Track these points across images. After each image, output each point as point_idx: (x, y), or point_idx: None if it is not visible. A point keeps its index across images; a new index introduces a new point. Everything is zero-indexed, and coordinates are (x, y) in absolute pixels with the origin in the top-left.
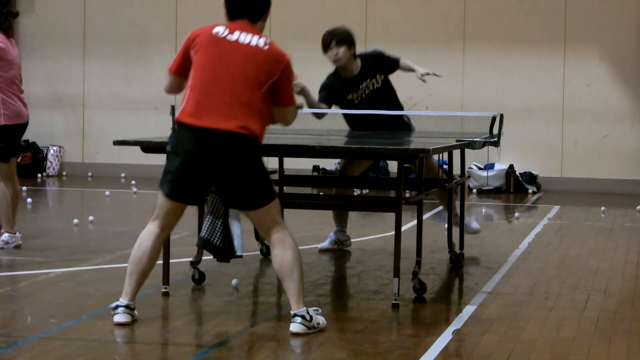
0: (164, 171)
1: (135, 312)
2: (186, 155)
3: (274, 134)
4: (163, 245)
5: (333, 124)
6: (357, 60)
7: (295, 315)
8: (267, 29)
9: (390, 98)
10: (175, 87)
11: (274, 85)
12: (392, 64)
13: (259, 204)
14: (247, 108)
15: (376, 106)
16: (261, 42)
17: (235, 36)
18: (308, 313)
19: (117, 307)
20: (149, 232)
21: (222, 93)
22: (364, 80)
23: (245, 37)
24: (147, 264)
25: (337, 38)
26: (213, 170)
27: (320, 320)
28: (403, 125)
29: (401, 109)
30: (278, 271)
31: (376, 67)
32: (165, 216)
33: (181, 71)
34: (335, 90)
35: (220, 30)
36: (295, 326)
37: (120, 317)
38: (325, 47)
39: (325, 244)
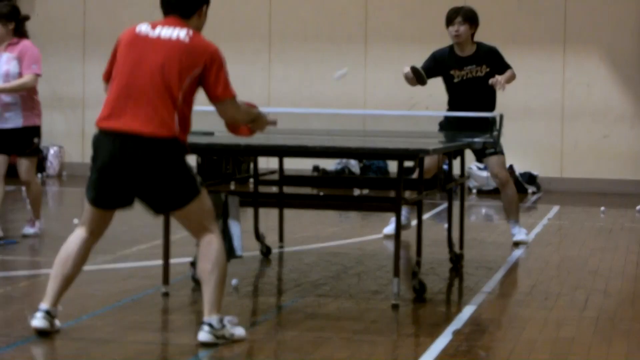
0: (88, 178)
1: (56, 321)
2: (103, 162)
3: (274, 134)
4: (164, 245)
5: (333, 123)
6: (474, 44)
7: (203, 323)
8: (267, 29)
9: (485, 91)
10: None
11: (201, 78)
12: (502, 65)
13: (181, 202)
14: (166, 108)
15: (470, 92)
16: (182, 34)
17: (156, 32)
18: (221, 322)
19: (38, 310)
20: (77, 236)
21: (139, 94)
22: (471, 64)
23: (167, 32)
24: (71, 269)
25: (462, 15)
26: (131, 175)
27: (237, 331)
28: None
29: (491, 105)
30: (198, 273)
31: (487, 59)
32: (91, 222)
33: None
34: (442, 61)
35: (143, 28)
36: (202, 335)
37: (38, 322)
38: (449, 21)
39: (389, 228)
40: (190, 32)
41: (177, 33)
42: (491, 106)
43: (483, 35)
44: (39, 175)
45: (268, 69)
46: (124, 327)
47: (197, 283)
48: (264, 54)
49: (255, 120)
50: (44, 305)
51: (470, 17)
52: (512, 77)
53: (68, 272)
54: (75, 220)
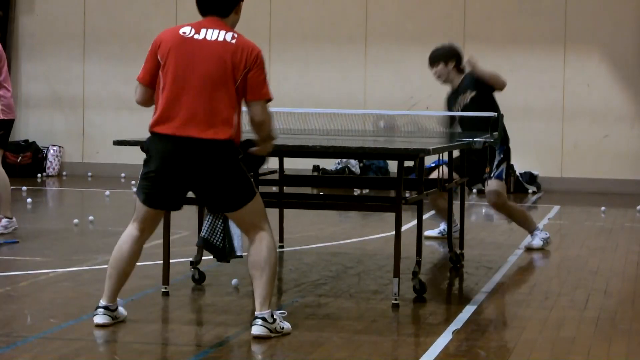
0: (140, 177)
1: (118, 312)
2: (161, 164)
3: None
4: (164, 245)
5: (333, 124)
6: (462, 74)
7: (256, 317)
8: (267, 28)
9: (479, 116)
10: (148, 98)
11: (244, 78)
12: (486, 85)
13: (238, 204)
14: (221, 111)
15: (468, 120)
16: (228, 36)
17: (202, 35)
18: (272, 316)
19: (97, 307)
20: (129, 235)
21: (194, 98)
22: (459, 94)
23: (212, 34)
24: (126, 267)
25: (432, 59)
26: (189, 177)
27: (285, 325)
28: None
29: (494, 126)
30: (250, 269)
31: (469, 84)
32: (143, 221)
33: (152, 80)
34: (447, 101)
35: (187, 30)
36: (257, 329)
37: (100, 318)
38: (429, 66)
39: (433, 232)
40: (236, 34)
41: (223, 35)
42: (494, 127)
43: (483, 36)
44: (39, 175)
45: (268, 69)
46: (124, 327)
47: (197, 283)
48: (264, 54)
49: (270, 137)
50: (103, 302)
51: (440, 56)
52: (494, 75)
53: (123, 270)
54: (76, 221)
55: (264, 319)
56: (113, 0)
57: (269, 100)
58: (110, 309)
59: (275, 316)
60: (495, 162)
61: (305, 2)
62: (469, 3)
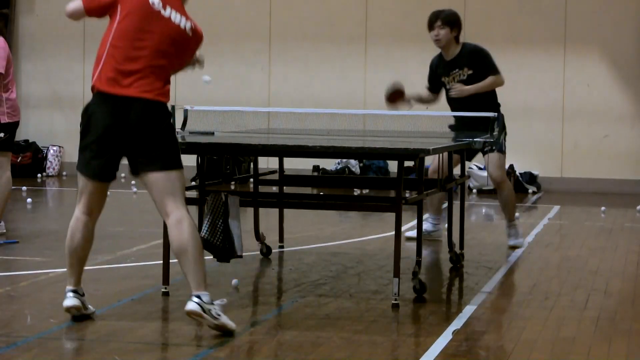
0: (80, 151)
1: (84, 298)
2: (104, 128)
3: (273, 134)
4: (164, 245)
5: (333, 124)
6: (459, 46)
7: (192, 295)
8: (267, 29)
9: (478, 95)
10: (77, 18)
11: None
12: (485, 68)
13: (166, 165)
14: (163, 78)
15: (461, 98)
16: (188, 26)
17: (167, 13)
18: (209, 299)
19: (66, 292)
20: (78, 221)
21: (142, 62)
22: (455, 67)
23: (175, 17)
24: (83, 252)
25: (442, 19)
26: (129, 137)
27: (223, 316)
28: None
29: (490, 107)
30: (176, 256)
31: (469, 60)
32: (91, 199)
33: (95, 12)
34: (434, 70)
35: (155, 1)
36: (190, 304)
37: (70, 300)
38: (430, 25)
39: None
40: (193, 26)
41: (184, 23)
42: (491, 108)
43: (483, 35)
44: (39, 175)
45: (268, 69)
46: (124, 327)
47: None
48: (264, 53)
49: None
50: (70, 286)
51: (450, 21)
52: (489, 86)
53: (82, 256)
54: None
55: (198, 296)
56: None
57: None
58: (79, 293)
59: (214, 302)
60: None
61: (305, 2)
62: (469, 3)
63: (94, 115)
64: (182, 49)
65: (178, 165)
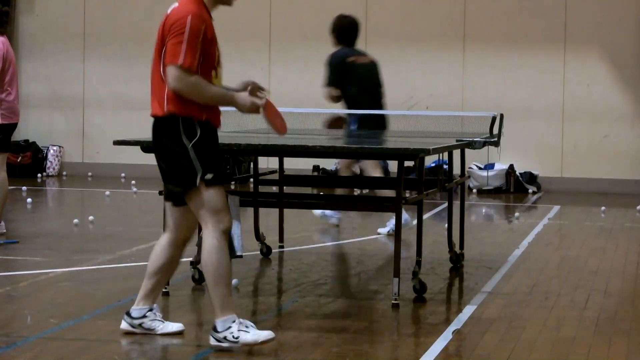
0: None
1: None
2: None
3: (273, 134)
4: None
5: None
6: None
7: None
8: (267, 28)
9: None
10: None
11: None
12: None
13: (179, 185)
14: (160, 86)
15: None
16: (170, 8)
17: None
18: (223, 324)
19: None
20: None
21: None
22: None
23: (169, 9)
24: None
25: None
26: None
27: (242, 335)
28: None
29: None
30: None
31: None
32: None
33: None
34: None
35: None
36: (210, 338)
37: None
38: None
39: (384, 229)
40: (177, 3)
41: (170, 9)
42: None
43: (483, 35)
44: (39, 175)
45: (268, 69)
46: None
47: (197, 283)
48: (264, 53)
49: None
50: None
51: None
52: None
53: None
54: (76, 221)
55: (213, 327)
56: (113, 0)
57: (183, 67)
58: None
59: (229, 324)
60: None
61: (305, 2)
62: (469, 3)
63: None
64: (162, 40)
65: (188, 185)
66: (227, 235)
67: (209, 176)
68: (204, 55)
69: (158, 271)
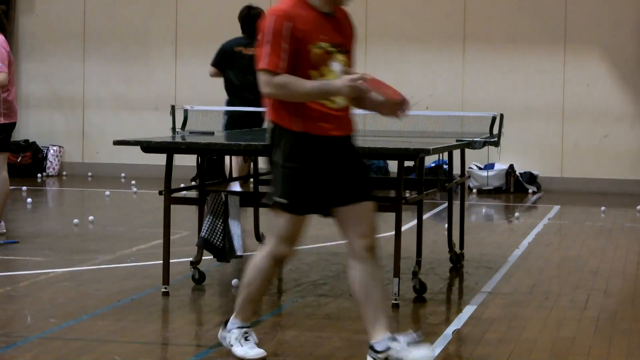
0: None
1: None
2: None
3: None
4: (164, 245)
5: None
6: None
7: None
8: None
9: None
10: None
11: None
12: None
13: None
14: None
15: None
16: None
17: None
18: (230, 330)
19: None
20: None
21: None
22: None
23: None
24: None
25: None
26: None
27: (238, 348)
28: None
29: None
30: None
31: None
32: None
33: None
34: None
35: None
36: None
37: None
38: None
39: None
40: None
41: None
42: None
43: (483, 36)
44: (39, 175)
45: None
46: (124, 327)
47: (197, 283)
48: None
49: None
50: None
51: None
52: None
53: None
54: (76, 221)
55: (224, 322)
56: (113, 0)
57: (267, 69)
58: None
59: (234, 328)
60: None
61: None
62: (469, 3)
63: None
64: None
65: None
66: (278, 263)
67: (283, 201)
68: (297, 54)
69: (369, 296)
